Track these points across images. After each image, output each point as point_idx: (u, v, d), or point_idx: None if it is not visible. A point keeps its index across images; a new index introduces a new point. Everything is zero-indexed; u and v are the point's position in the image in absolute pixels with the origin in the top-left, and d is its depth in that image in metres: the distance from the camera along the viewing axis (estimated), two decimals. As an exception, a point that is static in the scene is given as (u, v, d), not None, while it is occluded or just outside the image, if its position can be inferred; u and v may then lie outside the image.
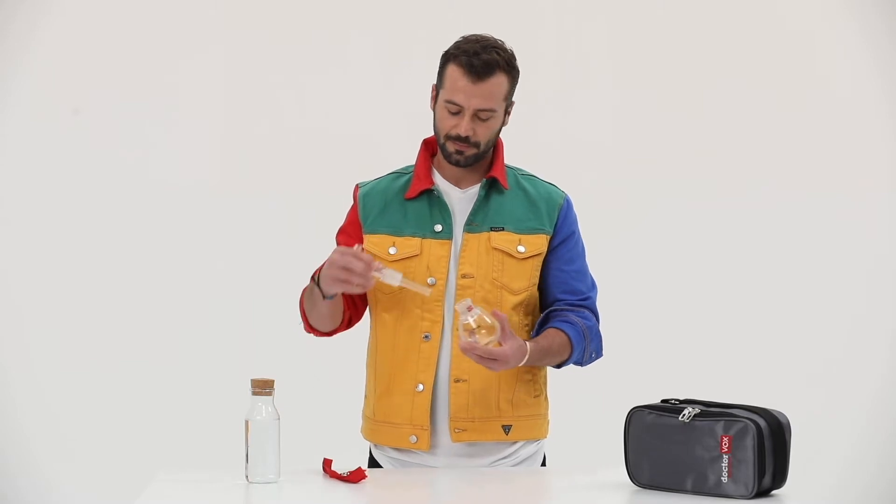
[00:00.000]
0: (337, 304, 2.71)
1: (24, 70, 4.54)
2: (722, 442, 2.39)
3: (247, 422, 2.50)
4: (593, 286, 2.80)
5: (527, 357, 2.61)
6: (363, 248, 2.60)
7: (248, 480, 2.51)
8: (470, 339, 2.53)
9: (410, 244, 2.71)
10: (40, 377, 4.53)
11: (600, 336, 2.77)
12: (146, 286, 4.57)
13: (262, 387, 2.50)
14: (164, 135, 4.58)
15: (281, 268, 4.56)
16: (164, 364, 4.53)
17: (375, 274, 2.55)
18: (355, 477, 2.53)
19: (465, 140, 2.65)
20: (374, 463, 2.80)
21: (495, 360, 2.55)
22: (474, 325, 2.53)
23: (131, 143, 4.57)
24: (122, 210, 4.57)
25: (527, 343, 2.62)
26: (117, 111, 4.56)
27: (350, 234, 2.78)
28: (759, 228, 4.68)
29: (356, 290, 2.58)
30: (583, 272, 2.78)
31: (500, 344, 2.55)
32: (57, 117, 4.56)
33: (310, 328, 2.80)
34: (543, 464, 2.82)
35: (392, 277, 2.57)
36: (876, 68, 4.68)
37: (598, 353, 2.78)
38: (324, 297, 2.65)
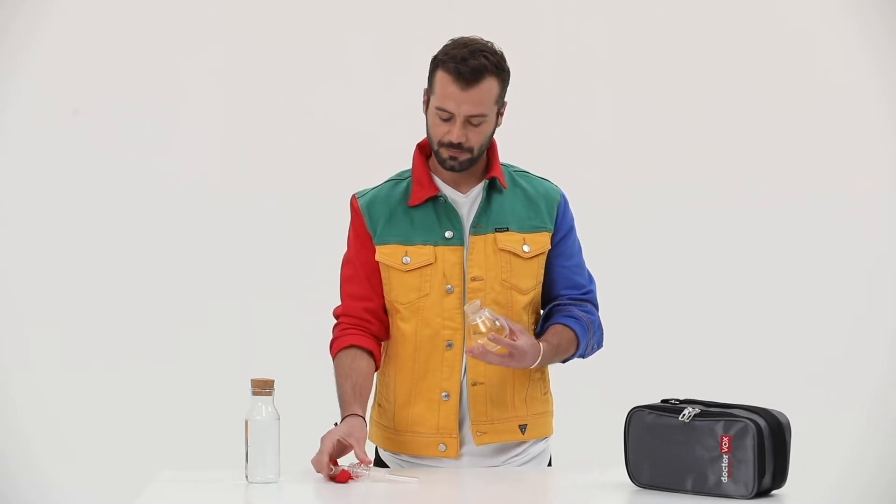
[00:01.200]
0: (367, 382, 2.72)
1: (24, 70, 4.53)
2: (722, 442, 2.39)
3: (247, 422, 2.50)
4: (591, 279, 2.82)
5: (541, 356, 2.63)
6: (333, 467, 2.55)
7: (248, 480, 2.51)
8: (480, 342, 2.55)
9: (423, 252, 2.70)
10: (40, 377, 4.53)
11: (602, 329, 2.79)
12: (146, 286, 4.57)
13: (262, 387, 2.50)
14: (164, 135, 4.58)
15: (281, 268, 4.57)
16: (164, 364, 4.53)
17: (361, 473, 2.53)
18: (341, 478, 2.54)
19: (457, 146, 2.64)
20: (380, 464, 2.80)
21: (512, 355, 2.57)
22: (483, 328, 2.55)
23: (131, 143, 4.56)
24: (122, 210, 4.56)
25: (540, 343, 2.64)
26: (117, 111, 4.56)
27: (359, 250, 2.75)
28: (759, 228, 4.68)
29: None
30: (581, 266, 2.80)
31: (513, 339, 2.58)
32: (57, 117, 4.56)
33: None
34: (550, 463, 2.84)
35: (378, 478, 2.54)
36: (876, 68, 4.67)
37: (599, 345, 2.80)
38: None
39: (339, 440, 2.55)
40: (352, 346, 2.71)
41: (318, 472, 2.54)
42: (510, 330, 2.58)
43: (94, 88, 4.55)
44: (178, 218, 4.57)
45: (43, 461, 4.51)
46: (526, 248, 2.72)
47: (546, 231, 2.74)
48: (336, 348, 2.73)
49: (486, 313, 2.56)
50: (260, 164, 4.60)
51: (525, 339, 2.59)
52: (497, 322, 2.56)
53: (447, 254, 2.69)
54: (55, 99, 4.56)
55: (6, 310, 4.55)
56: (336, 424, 2.62)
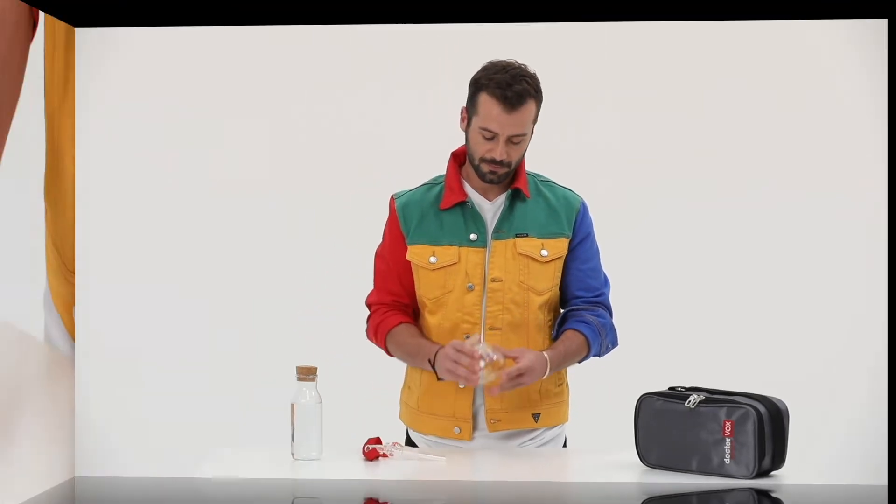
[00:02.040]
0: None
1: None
2: (725, 426, 2.51)
3: (293, 405, 2.67)
4: (606, 282, 2.96)
5: (549, 365, 2.78)
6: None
7: (293, 458, 2.68)
8: (491, 379, 2.70)
9: (449, 253, 2.87)
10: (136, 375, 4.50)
11: (614, 329, 2.92)
12: (184, 284, 4.52)
13: (307, 373, 2.67)
14: (168, 136, 4.52)
15: (284, 267, 4.50)
16: (221, 358, 4.52)
17: (393, 452, 2.73)
18: (371, 456, 2.71)
19: (499, 163, 2.80)
20: (410, 443, 2.97)
21: (522, 375, 2.72)
22: (481, 364, 2.70)
23: (136, 144, 4.51)
24: (125, 210, 4.53)
25: (544, 353, 2.78)
26: (119, 111, 4.50)
27: (393, 248, 2.90)
28: (759, 228, 4.63)
29: (463, 384, 2.77)
30: (597, 270, 2.95)
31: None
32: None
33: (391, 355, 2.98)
34: (565, 445, 2.98)
35: (409, 456, 2.72)
36: (876, 68, 4.58)
37: (614, 344, 2.93)
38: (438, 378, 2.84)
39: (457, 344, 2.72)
40: (402, 322, 2.89)
41: (463, 354, 2.70)
42: (505, 358, 2.72)
43: (95, 88, 4.45)
44: (179, 218, 4.53)
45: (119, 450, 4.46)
46: (544, 253, 2.87)
47: (564, 237, 2.90)
48: (386, 327, 2.89)
49: (484, 348, 2.71)
50: (260, 164, 4.56)
51: (528, 357, 2.74)
52: (493, 356, 2.70)
53: (470, 255, 2.86)
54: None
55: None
56: (429, 361, 2.79)
